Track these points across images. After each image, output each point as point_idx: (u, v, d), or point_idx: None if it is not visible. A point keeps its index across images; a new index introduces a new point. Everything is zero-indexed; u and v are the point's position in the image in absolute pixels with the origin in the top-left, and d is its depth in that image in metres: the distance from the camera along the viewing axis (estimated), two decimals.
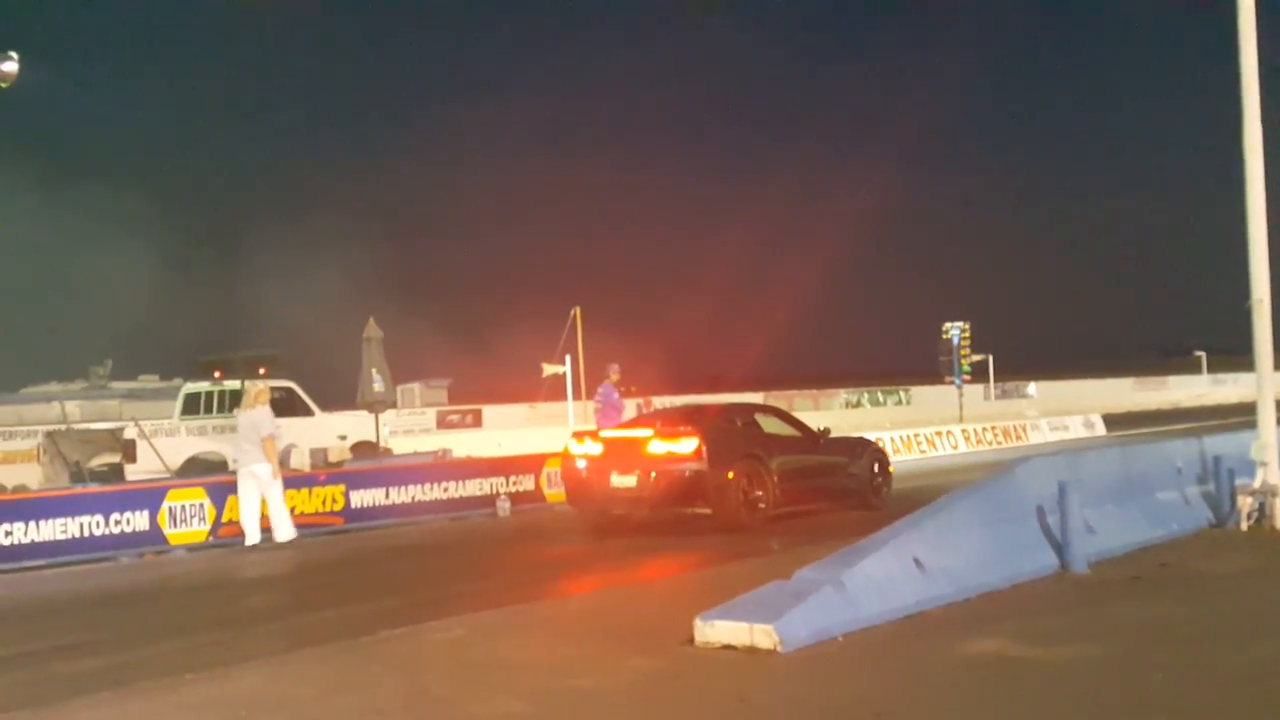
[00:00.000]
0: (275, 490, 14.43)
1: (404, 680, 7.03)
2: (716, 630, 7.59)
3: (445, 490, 16.61)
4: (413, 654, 7.78)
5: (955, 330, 37.74)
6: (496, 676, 7.03)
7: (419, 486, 16.12)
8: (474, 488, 17.01)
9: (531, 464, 17.89)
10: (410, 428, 42.78)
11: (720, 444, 14.85)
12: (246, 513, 14.40)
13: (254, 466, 14.41)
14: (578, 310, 31.76)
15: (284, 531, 14.45)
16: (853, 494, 16.55)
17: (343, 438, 21.46)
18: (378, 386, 18.28)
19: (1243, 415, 12.73)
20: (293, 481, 15.08)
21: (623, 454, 15.03)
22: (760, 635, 7.42)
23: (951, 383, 38.87)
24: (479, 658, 7.53)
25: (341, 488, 15.57)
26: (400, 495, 16.09)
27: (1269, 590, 9.29)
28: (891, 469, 17.84)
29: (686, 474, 14.52)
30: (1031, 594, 9.20)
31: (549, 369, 31.39)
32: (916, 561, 8.75)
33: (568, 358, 31.24)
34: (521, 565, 13.01)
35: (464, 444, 31.09)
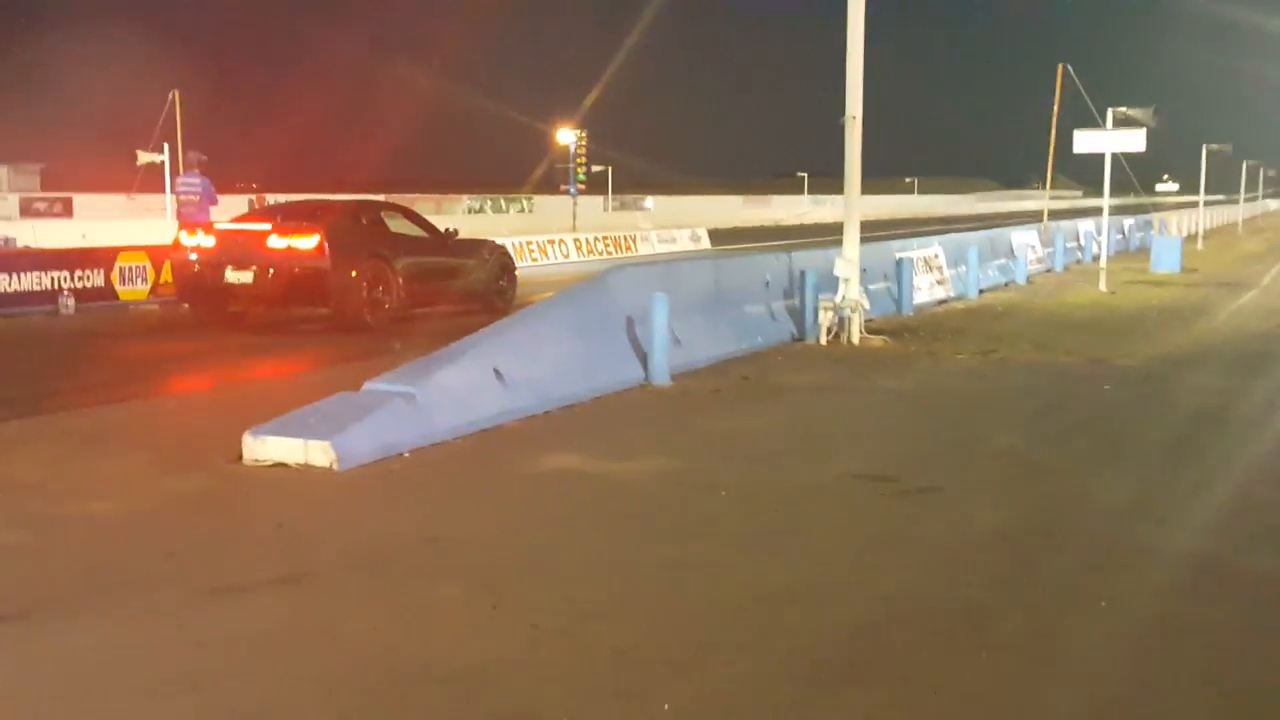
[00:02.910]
0: None
1: None
2: (267, 446, 6.91)
3: None
4: None
5: (571, 139, 37.45)
6: None
7: None
8: (31, 282, 15.19)
9: (102, 257, 16.21)
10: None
11: (343, 241, 14.18)
12: None
13: None
14: (176, 94, 29.26)
15: None
16: (479, 296, 16.29)
17: None
18: None
19: (837, 235, 13.00)
20: None
21: (239, 248, 14.17)
22: (315, 452, 6.81)
23: (566, 191, 38.81)
24: None
25: None
26: None
27: (836, 403, 9.54)
28: (517, 272, 17.81)
29: (307, 271, 13.82)
30: (614, 406, 9.04)
31: (144, 157, 28.90)
32: (497, 372, 8.33)
33: (165, 145, 28.82)
34: (76, 369, 11.65)
35: (47, 234, 28.33)
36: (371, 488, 6.53)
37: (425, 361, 8.09)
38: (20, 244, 19.54)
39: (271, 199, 41.61)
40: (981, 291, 18.69)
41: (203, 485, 6.47)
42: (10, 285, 15.05)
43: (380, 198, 45.93)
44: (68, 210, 41.23)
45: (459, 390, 7.94)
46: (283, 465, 6.80)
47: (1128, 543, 5.63)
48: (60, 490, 6.28)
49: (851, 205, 12.92)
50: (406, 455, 7.15)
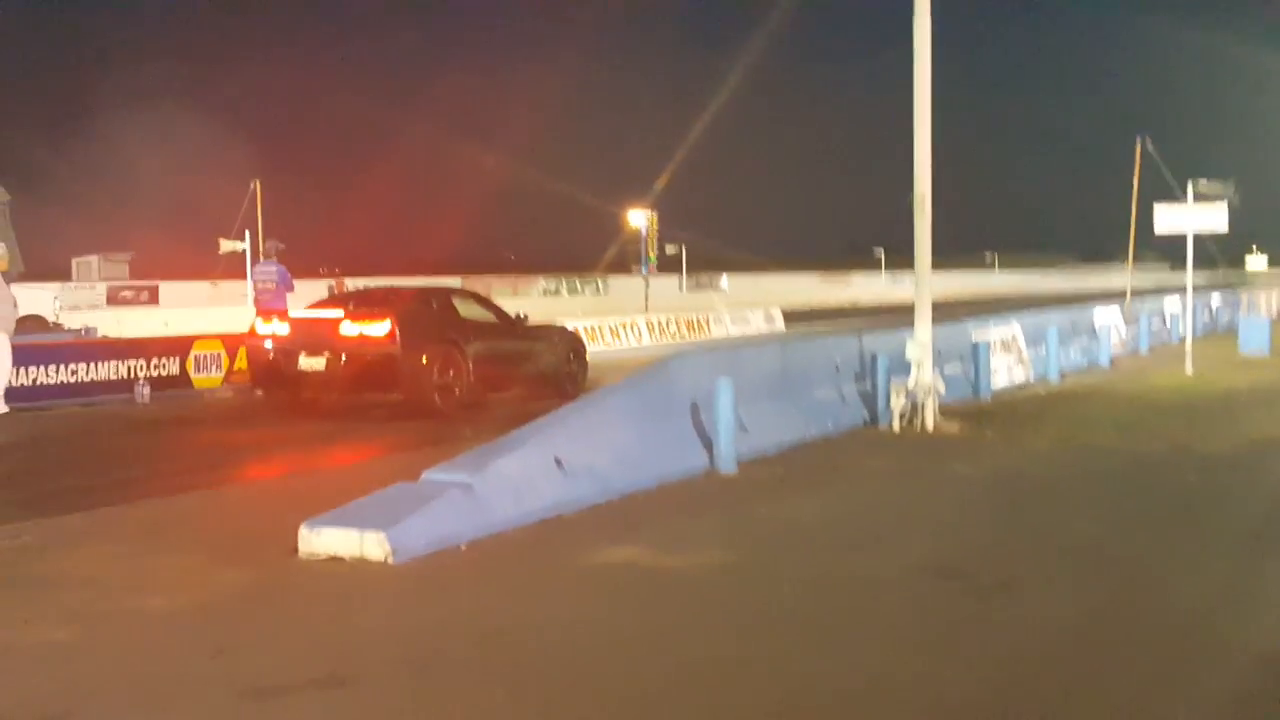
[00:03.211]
0: None
1: None
2: (323, 539, 6.84)
3: (74, 373, 14.98)
4: None
5: (643, 220, 37.58)
6: (51, 595, 6.04)
7: (41, 369, 14.41)
8: (108, 371, 15.45)
9: (177, 346, 16.46)
10: (78, 304, 39.70)
11: (414, 327, 14.33)
12: None
13: None
14: (257, 183, 29.97)
15: None
16: (550, 381, 16.25)
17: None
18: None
19: (913, 315, 12.76)
20: None
21: (312, 335, 14.36)
22: (371, 544, 6.72)
23: (638, 272, 38.88)
24: (41, 571, 6.51)
25: None
26: (17, 378, 14.37)
27: (908, 491, 9.27)
28: (588, 356, 17.77)
29: (378, 357, 13.96)
30: (677, 495, 8.85)
31: (226, 245, 29.57)
32: (558, 461, 8.22)
33: (246, 233, 29.47)
34: (147, 458, 11.75)
35: (132, 322, 28.97)
36: (425, 582, 6.41)
37: (484, 450, 8.00)
38: (102, 333, 19.90)
39: (351, 283, 42.37)
40: (1062, 374, 18.26)
41: (257, 579, 6.40)
42: (88, 375, 15.30)
43: (456, 280, 46.65)
44: (154, 298, 42.13)
45: (518, 480, 7.83)
46: (338, 558, 6.71)
47: (1210, 643, 5.32)
48: (115, 585, 6.23)
49: (922, 286, 12.70)
50: (463, 547, 7.03)
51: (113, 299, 41.16)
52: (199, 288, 42.65)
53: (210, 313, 31.21)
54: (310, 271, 45.68)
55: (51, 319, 18.95)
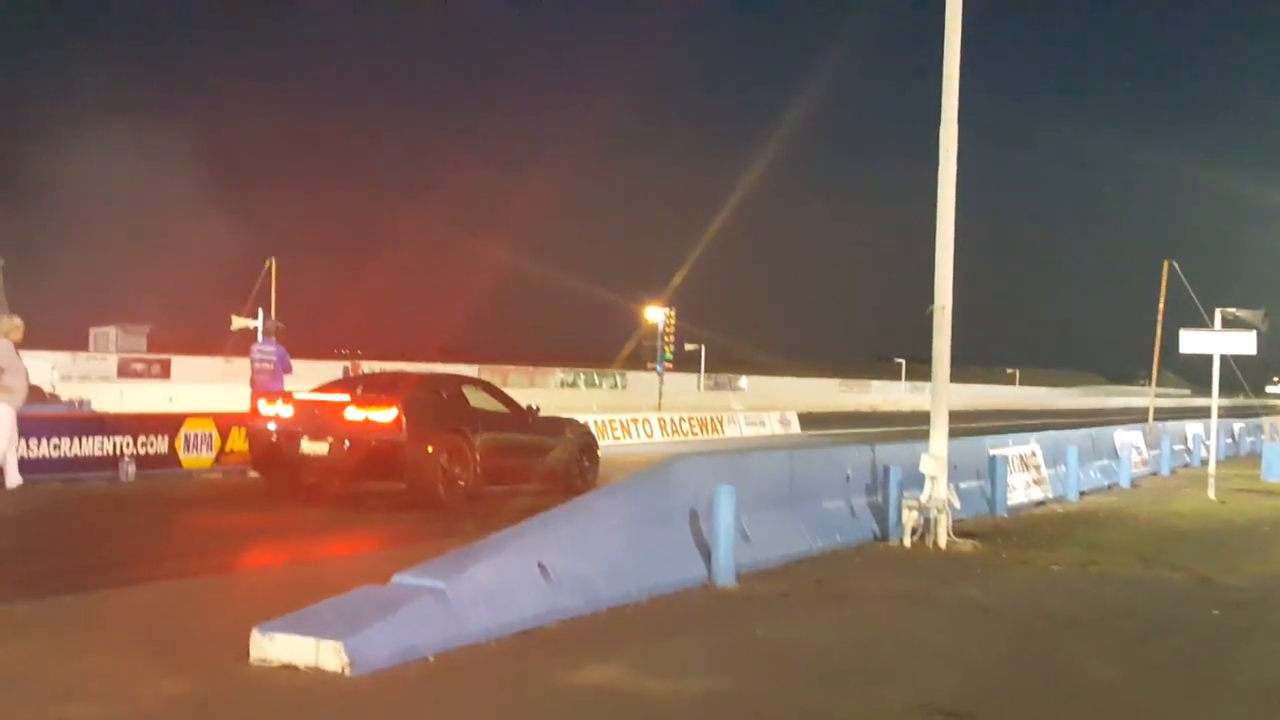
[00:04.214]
0: None
1: None
2: (276, 645, 6.30)
3: (57, 447, 14.54)
4: None
5: (660, 317, 37.24)
6: None
7: (24, 441, 13.91)
8: (94, 446, 14.99)
9: (167, 423, 16.02)
10: (88, 374, 39.50)
11: (421, 415, 13.96)
12: None
13: None
14: (272, 261, 29.77)
15: None
16: (559, 476, 15.84)
17: None
18: None
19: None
20: None
21: (316, 419, 13.96)
22: (327, 653, 6.17)
23: (653, 369, 38.50)
24: None
25: None
26: None
27: (915, 616, 8.68)
28: (599, 452, 17.38)
29: (383, 444, 13.54)
30: (670, 609, 8.29)
31: (238, 322, 29.28)
32: (541, 568, 7.68)
33: (260, 311, 29.22)
34: (118, 541, 11.22)
35: (137, 396, 28.68)
36: (382, 699, 5.86)
37: (461, 553, 7.48)
38: (101, 406, 19.53)
39: (367, 366, 42.09)
40: (1082, 494, 17.67)
41: (197, 688, 5.85)
42: (72, 450, 14.86)
43: (473, 368, 46.32)
44: (165, 372, 41.97)
45: (497, 587, 7.29)
46: (293, 667, 6.17)
47: None
48: (41, 688, 5.69)
49: (939, 398, 12.20)
50: (431, 659, 6.49)
51: (124, 371, 41.02)
52: (212, 363, 42.42)
53: (218, 389, 30.84)
54: (325, 353, 45.51)
55: (48, 390, 18.52)
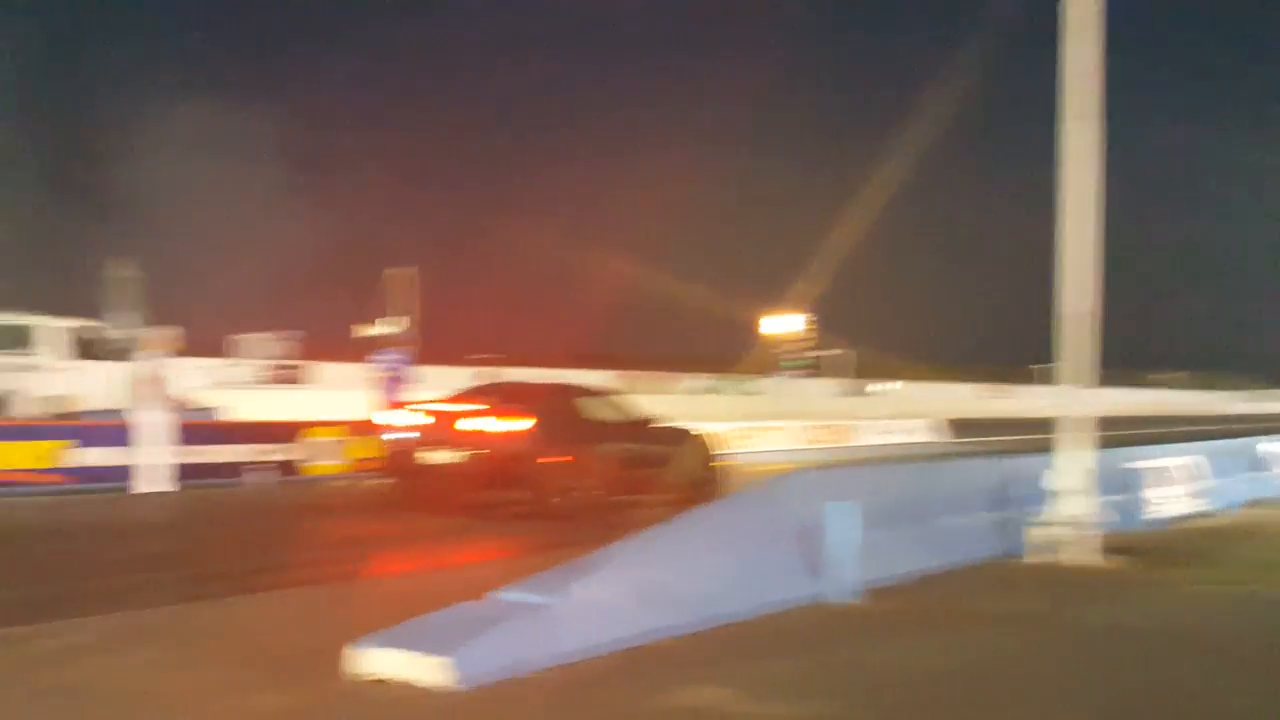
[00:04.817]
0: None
1: None
2: (377, 659, 6.31)
3: (186, 455, 14.93)
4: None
5: (793, 323, 36.80)
6: (77, 710, 5.60)
7: (154, 449, 14.37)
8: (218, 454, 15.37)
9: (293, 431, 16.34)
10: (235, 381, 40.70)
11: (544, 426, 14.21)
12: None
13: None
14: (414, 271, 30.30)
15: None
16: (681, 486, 15.72)
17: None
18: (123, 333, 16.43)
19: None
20: (9, 433, 13.38)
21: (444, 429, 14.25)
22: (427, 668, 6.16)
23: (786, 376, 38.11)
24: (75, 679, 6.08)
25: (65, 443, 13.76)
26: (125, 456, 14.37)
27: (1039, 640, 8.32)
28: (722, 462, 17.32)
29: (505, 455, 13.78)
30: (778, 629, 8.10)
31: (370, 329, 29.94)
32: (644, 585, 7.56)
33: (384, 319, 29.78)
34: (240, 549, 11.48)
35: (279, 403, 29.42)
36: (479, 716, 5.80)
37: (564, 570, 7.41)
38: (236, 414, 20.04)
39: (498, 374, 42.55)
40: (1236, 507, 16.82)
41: (297, 703, 5.87)
42: (199, 457, 15.25)
43: (606, 374, 46.48)
44: (307, 378, 42.99)
45: (599, 604, 7.20)
46: (388, 682, 6.16)
47: None
48: (139, 703, 5.77)
49: (1076, 407, 11.73)
50: (530, 677, 6.42)
51: (269, 378, 42.11)
52: (353, 370, 43.35)
53: (354, 395, 31.52)
54: (457, 359, 46.16)
55: (191, 398, 19.10)
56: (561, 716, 5.92)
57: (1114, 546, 12.13)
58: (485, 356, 49.96)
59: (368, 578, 9.92)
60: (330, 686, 6.14)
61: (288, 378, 42.69)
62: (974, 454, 14.56)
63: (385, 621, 6.61)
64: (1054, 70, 11.33)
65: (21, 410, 17.18)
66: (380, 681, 6.16)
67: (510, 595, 6.95)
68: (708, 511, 8.97)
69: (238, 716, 5.64)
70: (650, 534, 8.11)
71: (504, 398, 15.35)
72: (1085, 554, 11.29)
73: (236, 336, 51.46)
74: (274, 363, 44.76)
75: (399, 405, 15.37)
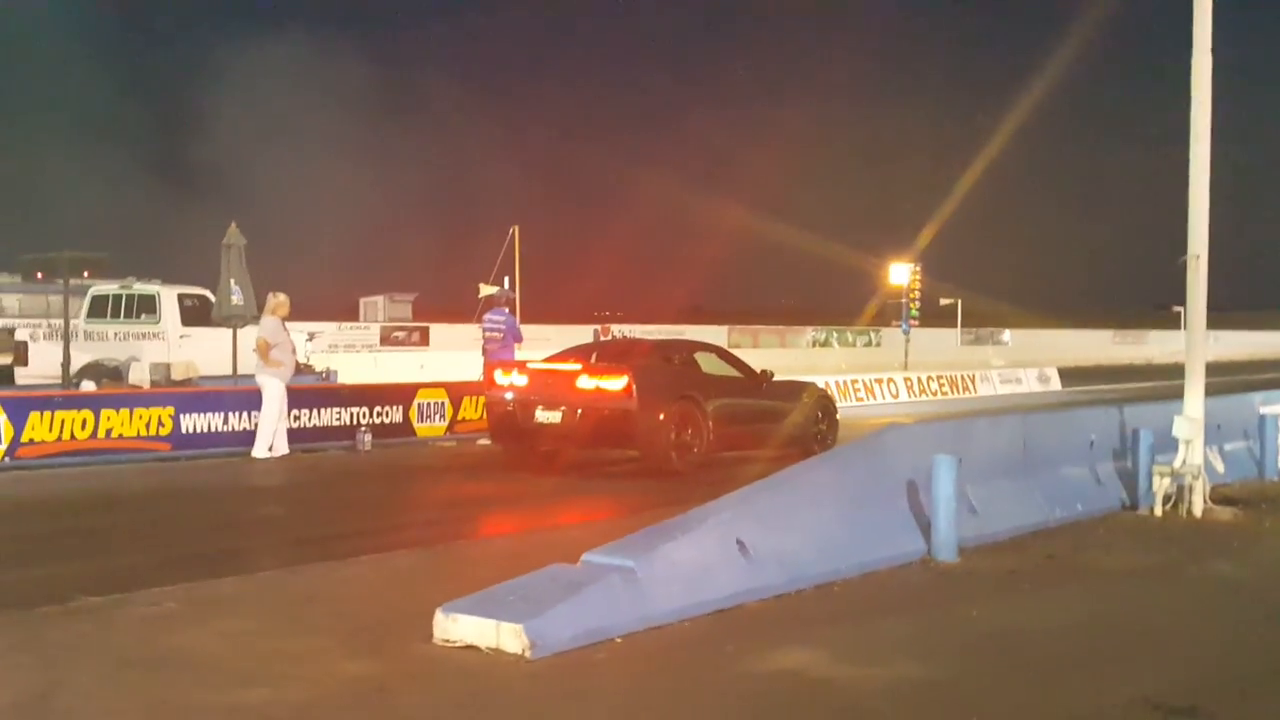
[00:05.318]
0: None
1: (39, 676, 5.61)
2: (459, 626, 6.21)
3: (297, 419, 15.08)
4: (89, 634, 6.30)
5: (906, 273, 35.96)
6: (156, 678, 5.61)
7: (269, 413, 14.48)
8: (331, 417, 15.52)
9: (402, 394, 16.43)
10: (353, 343, 41.40)
11: (652, 383, 13.91)
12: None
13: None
14: (515, 230, 30.41)
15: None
16: (795, 441, 15.58)
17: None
18: (236, 299, 16.63)
19: (1211, 376, 11.24)
20: (113, 400, 13.66)
21: (549, 388, 14.08)
22: (507, 635, 6.04)
23: (899, 327, 37.30)
24: (160, 647, 6.09)
25: (170, 410, 13.98)
26: (240, 422, 14.57)
27: (1155, 595, 7.92)
28: (838, 415, 16.98)
29: (614, 413, 13.57)
30: (881, 587, 7.84)
31: (485, 289, 30.12)
32: (740, 544, 7.35)
33: (506, 278, 29.96)
34: (345, 511, 11.56)
35: (392, 364, 29.79)
36: (560, 683, 5.68)
37: (654, 530, 7.24)
38: (347, 377, 20.29)
39: (617, 330, 42.59)
40: None
41: (377, 670, 5.81)
42: (311, 421, 15.40)
43: (722, 329, 46.24)
44: (424, 339, 43.47)
45: (690, 565, 7.02)
46: (474, 648, 6.07)
47: None
48: (224, 671, 5.74)
49: (1195, 354, 11.17)
50: (617, 641, 6.28)
51: (386, 340, 42.72)
52: (469, 330, 43.77)
53: (471, 356, 31.78)
54: (574, 316, 46.29)
55: (302, 360, 19.37)
56: (641, 683, 5.76)
57: (1242, 497, 11.58)
58: (604, 313, 50.08)
59: (467, 540, 9.88)
60: (414, 653, 6.07)
61: (406, 340, 43.24)
62: (1093, 403, 13.98)
63: (477, 585, 6.53)
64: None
65: (139, 377, 17.59)
66: (466, 647, 6.07)
67: (598, 558, 6.79)
68: (809, 466, 8.73)
69: (320, 683, 5.60)
70: (748, 491, 7.90)
71: (609, 356, 15.23)
72: (1211, 505, 10.78)
73: (365, 299, 52.38)
74: (392, 324, 45.41)
75: (509, 365, 15.31)
